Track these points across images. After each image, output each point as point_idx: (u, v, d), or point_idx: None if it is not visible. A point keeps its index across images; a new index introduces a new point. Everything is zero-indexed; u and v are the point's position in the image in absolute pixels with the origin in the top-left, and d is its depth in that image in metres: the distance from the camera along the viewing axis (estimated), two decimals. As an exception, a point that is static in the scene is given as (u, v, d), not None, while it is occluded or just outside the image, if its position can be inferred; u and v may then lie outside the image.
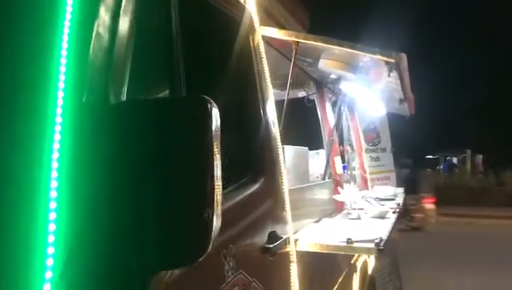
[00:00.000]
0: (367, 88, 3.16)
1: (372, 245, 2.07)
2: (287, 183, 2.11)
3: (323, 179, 3.55)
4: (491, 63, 26.24)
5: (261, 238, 1.78)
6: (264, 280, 1.74)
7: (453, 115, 26.12)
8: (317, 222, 2.83)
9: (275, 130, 2.07)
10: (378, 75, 2.65)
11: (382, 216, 3.07)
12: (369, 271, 4.33)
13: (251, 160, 1.90)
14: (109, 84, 1.03)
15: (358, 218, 3.03)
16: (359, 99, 4.92)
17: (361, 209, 3.41)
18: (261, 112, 1.97)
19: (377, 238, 2.14)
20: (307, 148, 3.27)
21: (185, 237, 0.98)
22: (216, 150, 1.00)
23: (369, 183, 5.37)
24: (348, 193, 3.23)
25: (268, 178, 1.93)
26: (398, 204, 3.72)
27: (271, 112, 2.05)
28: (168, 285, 1.08)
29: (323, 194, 3.29)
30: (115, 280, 0.93)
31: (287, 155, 2.78)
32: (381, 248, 2.05)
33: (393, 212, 3.24)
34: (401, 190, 4.98)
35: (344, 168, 4.77)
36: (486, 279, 6.07)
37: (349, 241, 2.11)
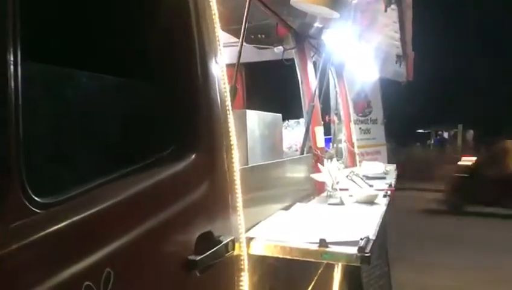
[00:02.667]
0: (358, 39, 2.51)
1: (354, 250, 1.47)
2: (237, 159, 1.49)
3: (302, 153, 2.93)
4: (495, 37, 25.46)
5: (183, 247, 1.16)
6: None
7: (448, 87, 25.44)
8: (287, 208, 2.22)
9: (220, 88, 1.43)
10: (371, 14, 1.99)
11: (370, 201, 2.47)
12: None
13: (176, 127, 1.27)
14: None
15: (341, 203, 2.42)
16: (348, 60, 4.28)
17: (346, 190, 2.82)
18: (197, 60, 1.34)
19: (362, 238, 1.53)
20: (280, 115, 2.63)
21: None
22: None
23: (357, 159, 4.78)
24: (329, 171, 2.61)
25: (204, 153, 1.31)
26: (390, 185, 3.12)
27: (213, 63, 1.41)
28: None
29: (298, 172, 2.68)
30: None
31: (251, 123, 2.15)
32: (366, 254, 1.45)
33: (384, 196, 2.64)
34: (392, 167, 4.37)
35: (329, 141, 4.16)
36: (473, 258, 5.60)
37: (322, 243, 1.51)
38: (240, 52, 1.77)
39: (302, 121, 3.74)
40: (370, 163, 4.28)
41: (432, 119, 24.48)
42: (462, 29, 25.21)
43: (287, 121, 3.66)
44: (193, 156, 1.24)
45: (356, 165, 4.63)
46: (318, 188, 2.89)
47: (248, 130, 2.06)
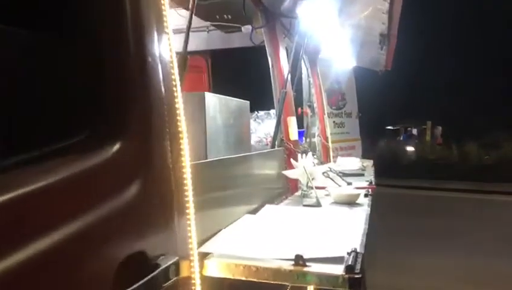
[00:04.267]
0: (338, 13, 2.17)
1: (340, 270, 1.12)
2: (188, 152, 1.13)
3: (273, 146, 2.58)
4: (467, 33, 25.57)
5: (100, 278, 0.79)
6: None
7: (416, 83, 25.53)
8: (255, 211, 1.86)
9: (163, 57, 1.06)
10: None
11: (351, 201, 2.14)
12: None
13: (93, 104, 0.90)
14: None
15: (317, 204, 2.08)
16: (323, 46, 3.96)
17: (322, 188, 2.49)
18: (128, 27, 0.97)
19: (349, 253, 1.19)
20: (247, 102, 2.27)
21: None
22: None
23: (331, 154, 4.47)
24: (304, 167, 2.27)
25: (135, 142, 0.94)
26: (370, 182, 2.81)
27: (152, 22, 1.04)
28: None
29: (269, 168, 2.33)
30: None
31: (211, 108, 1.78)
32: (356, 276, 1.11)
33: (366, 195, 2.32)
34: (369, 163, 4.07)
35: (301, 134, 3.84)
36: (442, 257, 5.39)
37: (298, 261, 1.16)
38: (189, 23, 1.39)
39: (273, 112, 3.40)
40: (346, 159, 3.97)
41: (401, 115, 24.63)
42: (435, 24, 25.32)
43: (256, 112, 3.32)
44: (117, 145, 0.87)
45: (330, 161, 4.32)
46: (291, 187, 2.55)
47: (207, 117, 1.70)
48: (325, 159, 4.24)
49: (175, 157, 1.07)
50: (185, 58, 1.42)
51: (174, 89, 1.11)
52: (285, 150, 2.58)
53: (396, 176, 12.55)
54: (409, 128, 24.76)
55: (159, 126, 1.01)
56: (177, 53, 1.26)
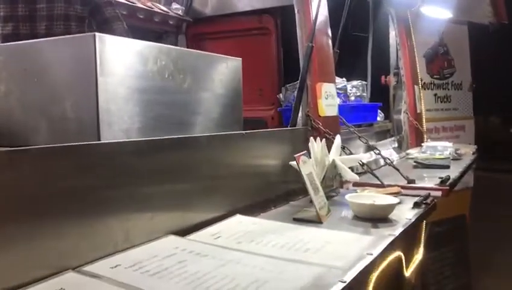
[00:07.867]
0: None
1: None
2: None
3: (293, 124, 1.83)
4: None
5: None
6: None
7: None
8: (197, 228, 1.18)
9: None
10: None
11: (377, 216, 1.32)
12: (408, 273, 2.58)
13: None
14: None
15: (315, 220, 1.30)
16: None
17: (364, 187, 1.70)
18: None
19: None
20: (238, 59, 1.55)
21: None
22: None
23: (425, 136, 3.48)
24: (309, 158, 1.50)
25: None
26: (446, 180, 1.87)
27: None
28: None
29: (269, 158, 1.59)
30: None
31: (118, 64, 1.13)
32: None
33: (417, 205, 1.46)
34: (470, 149, 3.00)
35: (375, 108, 2.94)
36: None
37: None
38: None
39: (339, 81, 2.61)
40: (434, 143, 3.00)
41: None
42: None
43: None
44: None
45: (423, 144, 3.35)
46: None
47: (100, 77, 1.04)
48: (412, 142, 3.29)
49: None
50: None
51: None
52: (310, 131, 1.81)
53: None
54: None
55: None
56: None
